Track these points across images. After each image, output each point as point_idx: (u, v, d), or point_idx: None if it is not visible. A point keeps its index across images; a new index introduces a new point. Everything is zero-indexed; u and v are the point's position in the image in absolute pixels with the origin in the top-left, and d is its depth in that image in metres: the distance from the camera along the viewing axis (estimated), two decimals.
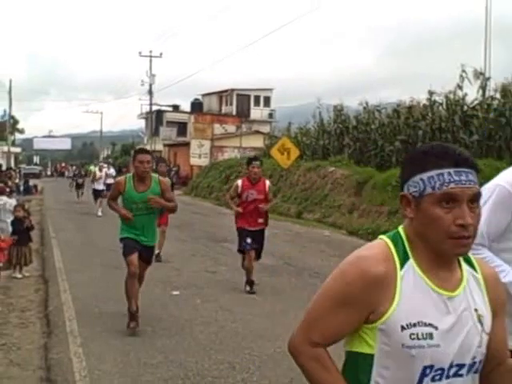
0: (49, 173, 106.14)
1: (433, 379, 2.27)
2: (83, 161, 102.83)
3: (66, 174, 73.92)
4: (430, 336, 2.24)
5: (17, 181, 42.80)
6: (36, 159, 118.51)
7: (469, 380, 2.34)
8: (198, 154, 55.33)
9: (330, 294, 2.39)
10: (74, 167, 70.23)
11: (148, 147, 68.86)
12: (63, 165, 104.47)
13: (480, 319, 2.35)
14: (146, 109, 71.47)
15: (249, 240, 11.42)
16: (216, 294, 11.24)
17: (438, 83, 27.73)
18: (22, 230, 13.12)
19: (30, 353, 7.82)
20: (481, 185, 2.38)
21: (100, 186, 28.52)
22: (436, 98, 27.62)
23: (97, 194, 28.48)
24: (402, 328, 2.23)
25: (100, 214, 26.76)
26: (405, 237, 2.40)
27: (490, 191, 3.55)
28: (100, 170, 29.88)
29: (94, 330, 8.74)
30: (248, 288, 11.46)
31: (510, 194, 3.51)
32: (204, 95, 74.36)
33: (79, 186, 38.19)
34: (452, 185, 2.23)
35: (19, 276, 12.73)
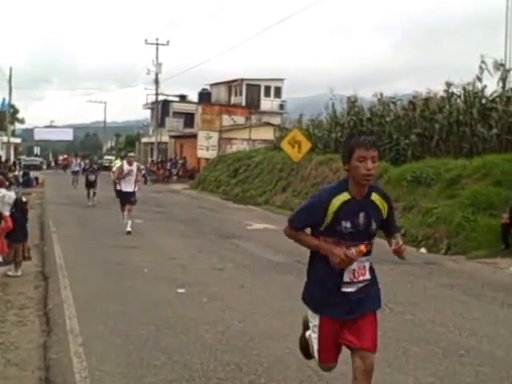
0: (53, 164, 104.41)
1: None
2: (86, 152, 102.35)
3: (73, 167, 52.59)
4: None
5: (16, 172, 42.83)
6: (37, 150, 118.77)
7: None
8: (206, 146, 55.31)
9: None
10: (79, 159, 58.58)
11: (153, 139, 69.37)
12: (65, 156, 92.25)
13: None
14: (152, 99, 71.90)
15: None
16: (223, 293, 11.24)
17: (456, 74, 27.73)
18: (19, 224, 13.13)
19: (29, 352, 7.83)
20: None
21: (129, 187, 20.37)
22: (454, 89, 27.47)
23: (125, 198, 20.48)
24: None
25: (130, 228, 19.53)
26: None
27: None
28: (130, 164, 20.95)
29: (96, 328, 8.75)
30: None
31: None
32: (212, 85, 74.36)
33: (91, 185, 30.83)
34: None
35: (10, 273, 12.74)
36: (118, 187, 20.98)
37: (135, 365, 7.26)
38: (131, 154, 23.88)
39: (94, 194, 30.98)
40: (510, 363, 7.59)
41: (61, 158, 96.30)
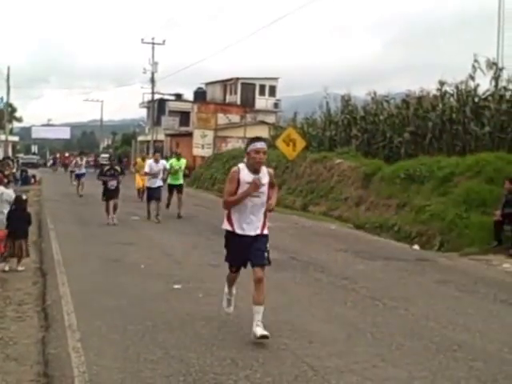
0: (52, 162, 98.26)
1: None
2: (85, 150, 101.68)
3: (77, 169, 38.39)
4: None
5: (14, 170, 42.61)
6: (34, 148, 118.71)
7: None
8: (201, 145, 55.33)
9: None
10: (85, 158, 44.54)
11: (149, 137, 69.32)
12: (66, 155, 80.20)
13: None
14: (148, 97, 71.66)
15: None
16: (218, 289, 11.19)
17: (449, 73, 27.72)
18: (18, 221, 13.17)
19: (27, 347, 7.83)
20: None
21: (250, 227, 8.70)
22: (447, 88, 27.57)
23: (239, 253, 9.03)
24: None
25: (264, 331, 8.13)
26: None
27: None
28: (256, 171, 8.37)
29: (93, 324, 8.74)
30: None
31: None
32: (208, 84, 74.35)
33: (112, 194, 21.37)
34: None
35: (6, 269, 12.75)
36: (227, 226, 9.16)
37: (132, 360, 7.26)
38: (259, 143, 8.43)
39: (115, 207, 21.37)
40: (502, 358, 7.61)
41: (58, 154, 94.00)
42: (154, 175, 22.40)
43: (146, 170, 22.74)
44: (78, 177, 36.44)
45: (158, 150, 27.98)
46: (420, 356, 7.55)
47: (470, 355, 7.64)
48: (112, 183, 21.52)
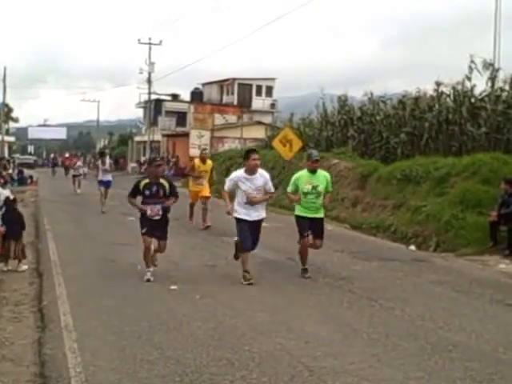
0: (51, 165, 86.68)
1: None
2: (80, 151, 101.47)
3: (100, 174, 26.15)
4: None
5: (10, 171, 42.55)
6: (30, 149, 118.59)
7: None
8: (198, 145, 55.26)
9: None
10: (108, 159, 27.73)
11: (146, 137, 69.32)
12: (66, 155, 71.70)
13: None
14: (145, 98, 71.64)
15: None
16: (215, 289, 11.25)
17: (446, 74, 27.81)
18: (9, 222, 13.19)
19: (24, 348, 7.85)
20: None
21: None
22: (443, 88, 27.62)
23: None
24: None
25: None
26: None
27: None
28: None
29: (90, 324, 8.76)
30: None
31: None
32: (204, 84, 74.32)
33: (155, 228, 11.89)
34: None
35: (4, 269, 12.78)
36: None
37: (128, 360, 7.27)
38: None
39: (159, 250, 12.36)
40: (497, 358, 7.63)
41: (55, 154, 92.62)
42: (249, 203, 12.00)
43: (227, 187, 12.61)
44: (105, 185, 25.71)
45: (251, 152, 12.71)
46: (416, 356, 7.57)
47: (465, 355, 7.66)
48: (154, 209, 11.87)
